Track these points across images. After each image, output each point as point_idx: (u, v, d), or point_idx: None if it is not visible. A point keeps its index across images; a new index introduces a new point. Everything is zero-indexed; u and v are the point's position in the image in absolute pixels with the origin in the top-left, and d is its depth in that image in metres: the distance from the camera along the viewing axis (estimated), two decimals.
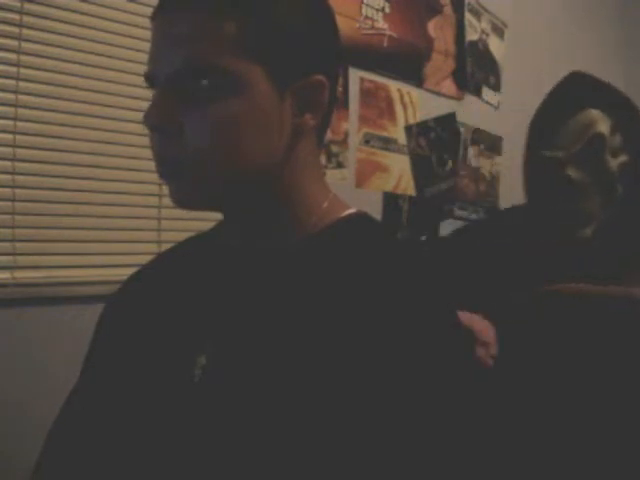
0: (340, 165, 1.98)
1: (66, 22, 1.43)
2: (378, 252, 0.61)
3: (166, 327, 0.63)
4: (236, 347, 0.58)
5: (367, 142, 2.08)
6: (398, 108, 2.19)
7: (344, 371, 0.52)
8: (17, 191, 1.37)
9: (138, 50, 1.50)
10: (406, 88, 2.21)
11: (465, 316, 0.87)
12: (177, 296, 0.65)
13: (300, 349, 0.55)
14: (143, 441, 0.58)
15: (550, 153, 1.17)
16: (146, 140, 0.61)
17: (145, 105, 0.57)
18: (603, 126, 1.16)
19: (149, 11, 0.61)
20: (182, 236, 0.77)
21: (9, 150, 1.36)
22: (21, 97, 1.37)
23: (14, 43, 1.36)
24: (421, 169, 2.27)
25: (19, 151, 1.37)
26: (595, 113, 1.17)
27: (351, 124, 2.02)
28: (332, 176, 1.93)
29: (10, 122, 1.36)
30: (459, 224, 2.29)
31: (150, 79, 0.58)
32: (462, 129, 2.44)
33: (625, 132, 1.17)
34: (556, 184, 1.16)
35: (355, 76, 2.03)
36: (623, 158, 1.17)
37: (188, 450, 0.55)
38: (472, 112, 2.46)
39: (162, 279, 0.69)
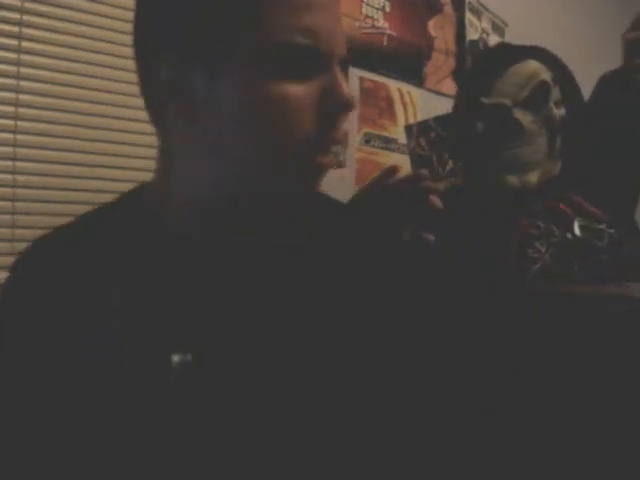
0: (340, 165, 1.98)
1: (66, 21, 1.43)
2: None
3: (133, 325, 0.57)
4: (221, 338, 0.58)
5: (367, 142, 2.07)
6: (398, 108, 2.18)
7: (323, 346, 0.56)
8: (17, 191, 1.37)
9: None
10: (406, 87, 2.21)
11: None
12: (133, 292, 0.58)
13: (273, 328, 0.57)
14: (135, 442, 0.55)
15: (493, 100, 1.16)
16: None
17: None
18: (546, 75, 1.16)
19: None
20: None
21: (9, 150, 1.36)
22: (22, 96, 1.37)
23: (14, 42, 1.36)
24: (421, 169, 2.26)
25: (19, 150, 1.37)
26: (536, 64, 1.17)
27: (351, 124, 2.02)
28: (332, 176, 1.92)
29: (11, 122, 1.36)
30: None
31: (311, 53, 0.53)
32: None
33: (562, 86, 1.18)
34: (503, 128, 1.14)
35: (355, 75, 2.03)
36: (562, 111, 1.18)
37: (189, 438, 0.55)
38: None
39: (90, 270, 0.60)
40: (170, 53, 0.55)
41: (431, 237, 0.71)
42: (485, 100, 1.17)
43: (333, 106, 0.54)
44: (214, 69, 0.54)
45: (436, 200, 0.74)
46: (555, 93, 1.17)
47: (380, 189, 0.80)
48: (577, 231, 1.09)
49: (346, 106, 0.53)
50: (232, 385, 0.55)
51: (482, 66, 1.24)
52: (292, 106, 0.53)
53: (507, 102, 1.15)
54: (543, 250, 1.09)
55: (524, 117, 1.14)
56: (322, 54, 0.53)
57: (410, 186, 0.76)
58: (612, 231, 1.10)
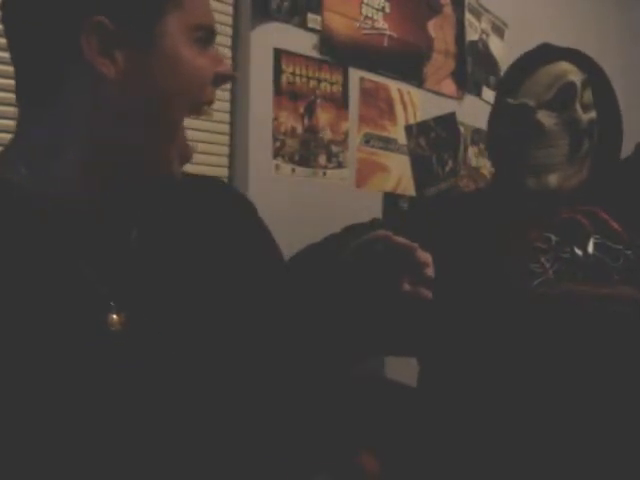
0: (340, 165, 1.98)
1: None
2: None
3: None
4: (143, 295, 0.64)
5: (367, 142, 2.08)
6: (398, 108, 2.19)
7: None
8: None
9: None
10: (406, 88, 2.21)
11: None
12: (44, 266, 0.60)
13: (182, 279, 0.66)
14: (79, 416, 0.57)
15: (518, 100, 1.14)
16: None
17: None
18: (575, 77, 1.14)
19: None
20: None
21: None
22: None
23: None
24: (421, 169, 2.27)
25: None
26: (567, 65, 1.16)
27: (351, 124, 2.02)
28: (332, 176, 1.92)
29: (10, 122, 1.36)
30: None
31: None
32: (462, 129, 2.44)
33: (595, 89, 1.16)
34: (525, 129, 1.13)
35: (355, 76, 2.03)
36: (592, 114, 1.15)
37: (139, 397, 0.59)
38: (472, 112, 2.46)
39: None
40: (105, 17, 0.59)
41: (429, 294, 0.70)
42: (511, 100, 1.15)
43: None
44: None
45: (430, 271, 0.71)
46: (585, 96, 1.15)
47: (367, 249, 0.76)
48: (591, 248, 1.07)
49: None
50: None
51: (516, 66, 1.22)
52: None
53: (531, 103, 1.13)
54: (548, 266, 1.07)
55: (547, 118, 1.12)
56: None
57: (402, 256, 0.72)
58: (629, 252, 1.07)
